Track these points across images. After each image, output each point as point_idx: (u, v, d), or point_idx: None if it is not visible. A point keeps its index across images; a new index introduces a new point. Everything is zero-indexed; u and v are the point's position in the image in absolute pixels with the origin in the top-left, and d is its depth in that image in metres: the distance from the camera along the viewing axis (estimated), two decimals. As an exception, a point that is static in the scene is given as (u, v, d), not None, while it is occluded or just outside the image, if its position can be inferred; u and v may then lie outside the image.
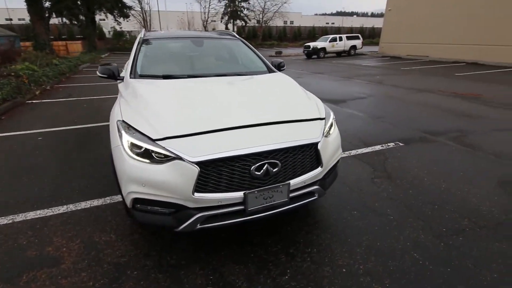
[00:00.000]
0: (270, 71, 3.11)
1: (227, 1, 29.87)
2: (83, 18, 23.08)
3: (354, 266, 1.96)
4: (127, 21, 26.90)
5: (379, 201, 2.73)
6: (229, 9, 30.09)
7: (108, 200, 2.72)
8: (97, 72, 2.90)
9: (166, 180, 1.70)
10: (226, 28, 32.79)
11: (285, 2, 32.23)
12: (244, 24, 31.11)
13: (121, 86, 2.71)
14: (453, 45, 16.93)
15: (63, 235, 2.24)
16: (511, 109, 6.16)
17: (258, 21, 32.07)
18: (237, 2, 30.35)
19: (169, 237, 2.22)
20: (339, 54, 22.17)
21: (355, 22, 62.91)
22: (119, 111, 2.09)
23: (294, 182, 1.93)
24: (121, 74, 2.85)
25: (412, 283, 1.82)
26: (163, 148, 1.71)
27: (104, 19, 30.24)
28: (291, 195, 1.95)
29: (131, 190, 1.77)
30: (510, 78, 10.52)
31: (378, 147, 4.07)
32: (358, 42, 22.61)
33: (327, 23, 71.87)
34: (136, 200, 1.80)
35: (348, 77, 11.20)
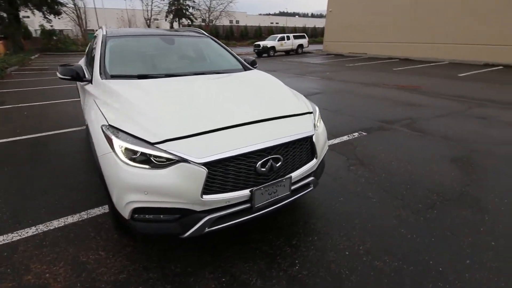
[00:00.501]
0: (245, 68, 3.10)
1: (170, -1, 28.85)
2: (5, 15, 20.16)
3: (354, 248, 2.08)
4: (59, 18, 24.18)
5: (360, 186, 2.94)
6: (173, 7, 29.02)
7: (84, 215, 2.45)
8: (58, 74, 2.60)
9: (172, 185, 1.60)
10: (171, 27, 31.63)
11: (231, 1, 32.26)
12: (190, 23, 30.30)
13: (90, 88, 2.45)
14: (388, 43, 18.77)
15: (41, 260, 1.96)
16: (445, 98, 7.07)
17: (204, 20, 31.54)
18: (181, 0, 29.43)
19: (165, 246, 2.09)
20: (288, 52, 22.96)
21: (298, 22, 65.69)
22: (101, 115, 1.90)
23: (295, 175, 1.98)
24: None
25: (407, 256, 2.00)
26: (165, 151, 1.61)
27: (28, 17, 26.81)
28: (292, 188, 1.99)
29: (131, 200, 1.63)
30: (438, 71, 12.05)
31: (345, 138, 4.35)
32: (304, 41, 23.67)
33: (272, 23, 73.85)
34: (136, 210, 1.66)
35: (301, 74, 11.69)
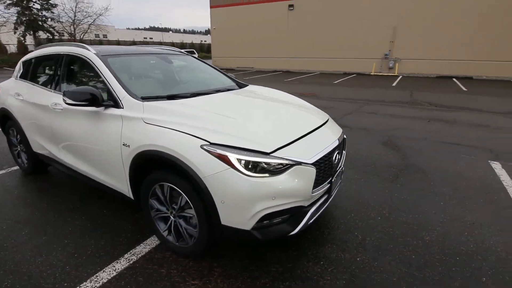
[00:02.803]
0: (240, 85, 3.33)
1: (19, 8, 23.36)
2: None
3: (363, 205, 2.75)
4: None
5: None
6: (24, 18, 23.70)
7: (132, 257, 2.15)
8: (66, 99, 2.19)
9: (292, 187, 1.81)
10: (24, 40, 25.75)
11: (100, 15, 29.11)
12: (51, 37, 25.49)
13: (116, 111, 2.20)
14: (271, 58, 21.51)
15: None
16: (339, 100, 9.01)
17: (70, 34, 27.21)
18: (35, 10, 24.42)
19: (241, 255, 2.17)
20: (179, 68, 22.82)
21: (175, 38, 65.32)
22: (187, 136, 1.84)
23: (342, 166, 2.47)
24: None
25: (388, 218, 2.81)
26: (282, 158, 1.80)
27: None
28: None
29: (261, 208, 1.74)
30: (318, 80, 14.87)
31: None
32: (195, 57, 24.10)
33: (145, 38, 70.58)
34: (264, 217, 1.77)
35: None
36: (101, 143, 2.31)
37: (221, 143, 1.79)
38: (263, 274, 2.01)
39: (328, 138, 2.21)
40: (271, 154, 1.80)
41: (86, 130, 2.43)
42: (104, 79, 2.36)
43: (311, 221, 2.02)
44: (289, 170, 1.81)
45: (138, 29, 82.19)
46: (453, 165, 3.97)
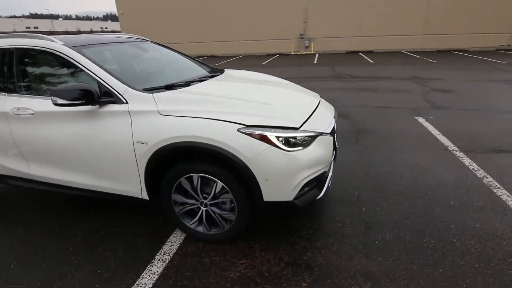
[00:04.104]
0: (215, 70, 3.29)
1: None
2: None
3: (344, 184, 3.22)
4: None
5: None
6: None
7: (166, 254, 2.07)
8: (56, 99, 1.89)
9: (320, 154, 2.02)
10: None
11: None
12: None
13: (118, 107, 2.00)
14: (192, 43, 20.68)
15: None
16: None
17: None
18: None
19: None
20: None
21: (68, 26, 56.08)
22: (218, 122, 1.85)
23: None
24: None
25: (369, 173, 3.38)
26: (308, 131, 1.99)
27: None
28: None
29: (303, 177, 1.91)
30: (248, 63, 15.13)
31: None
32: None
33: (28, 27, 58.70)
34: (305, 184, 1.94)
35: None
36: (102, 146, 2.08)
37: (256, 124, 1.87)
38: (298, 239, 2.22)
39: (329, 111, 2.48)
40: (300, 129, 1.97)
41: (77, 134, 2.12)
42: (91, 73, 2.08)
43: (329, 184, 2.29)
44: (315, 141, 2.01)
45: (15, 17, 67.74)
46: (392, 124, 4.80)
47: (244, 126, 1.85)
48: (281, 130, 1.89)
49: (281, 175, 1.87)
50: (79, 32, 41.21)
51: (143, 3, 20.72)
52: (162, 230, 2.37)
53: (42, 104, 2.22)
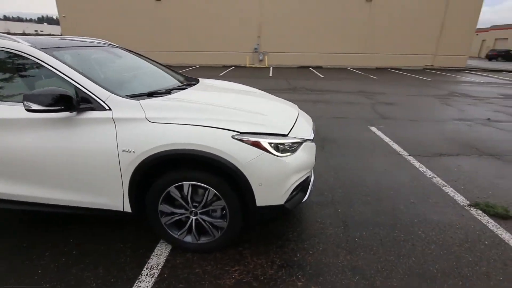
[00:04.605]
0: (189, 79, 3.28)
1: None
2: None
3: (317, 188, 3.46)
4: None
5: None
6: None
7: (157, 260, 1.96)
8: (31, 104, 1.71)
9: (306, 159, 2.16)
10: None
11: None
12: None
13: (99, 114, 1.88)
14: (146, 51, 19.84)
15: None
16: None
17: None
18: None
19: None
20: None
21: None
22: (211, 130, 1.86)
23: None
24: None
25: (338, 177, 3.67)
26: (295, 138, 2.11)
27: None
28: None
29: (294, 181, 2.01)
30: (204, 74, 15.04)
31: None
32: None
33: None
34: (295, 188, 2.04)
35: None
36: (80, 156, 1.92)
37: (249, 131, 1.92)
38: (285, 242, 2.29)
39: (308, 119, 2.65)
40: (288, 135, 2.08)
41: (48, 143, 1.93)
42: (67, 78, 1.92)
43: (312, 187, 2.43)
44: (301, 146, 2.14)
45: None
46: (350, 132, 5.24)
47: (238, 133, 1.89)
48: (272, 137, 1.97)
49: (275, 179, 1.94)
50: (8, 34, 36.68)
51: (88, 6, 19.47)
52: (144, 244, 2.24)
53: (5, 110, 1.98)
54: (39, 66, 1.98)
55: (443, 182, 3.32)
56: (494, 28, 43.26)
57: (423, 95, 9.40)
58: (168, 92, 2.38)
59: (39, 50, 2.01)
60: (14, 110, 1.95)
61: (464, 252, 2.19)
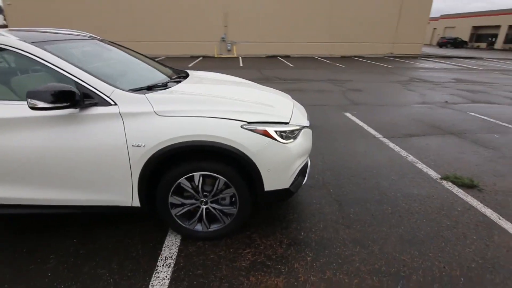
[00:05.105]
0: (178, 71, 3.25)
1: None
2: None
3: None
4: None
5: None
6: None
7: (169, 250, 2.01)
8: (35, 102, 1.64)
9: (306, 144, 2.31)
10: None
11: None
12: None
13: (104, 110, 1.85)
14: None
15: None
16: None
17: None
18: None
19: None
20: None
21: None
22: (221, 121, 1.93)
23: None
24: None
25: (325, 161, 3.92)
26: (296, 125, 2.24)
27: None
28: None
29: (298, 165, 2.16)
30: (173, 64, 14.55)
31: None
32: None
33: None
34: (299, 172, 2.18)
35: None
36: (88, 154, 1.88)
37: (256, 120, 2.02)
38: (289, 223, 2.45)
39: (302, 109, 2.79)
40: (289, 123, 2.20)
41: (52, 142, 1.86)
42: (66, 73, 1.86)
43: (309, 170, 2.60)
44: (300, 133, 2.28)
45: None
46: (328, 119, 5.51)
47: (246, 123, 1.98)
48: (276, 125, 2.09)
49: (282, 165, 2.08)
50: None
51: (37, -6, 17.73)
52: (152, 237, 2.27)
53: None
54: (31, 61, 1.88)
55: (416, 160, 3.69)
56: (444, 17, 46.76)
57: (387, 81, 10.04)
58: (164, 85, 2.38)
59: (30, 44, 1.91)
60: (5, 109, 1.85)
61: (443, 218, 2.52)
